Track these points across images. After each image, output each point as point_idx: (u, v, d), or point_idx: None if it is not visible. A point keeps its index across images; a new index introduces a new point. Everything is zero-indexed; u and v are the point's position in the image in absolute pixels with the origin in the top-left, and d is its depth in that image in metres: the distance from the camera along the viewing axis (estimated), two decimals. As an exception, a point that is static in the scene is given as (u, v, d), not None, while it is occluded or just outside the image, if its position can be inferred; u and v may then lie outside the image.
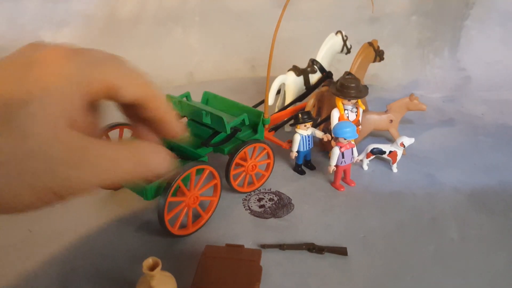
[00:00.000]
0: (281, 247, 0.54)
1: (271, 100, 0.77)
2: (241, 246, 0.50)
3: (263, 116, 0.65)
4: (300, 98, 0.82)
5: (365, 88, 0.69)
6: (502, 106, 0.98)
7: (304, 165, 0.72)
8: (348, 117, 0.68)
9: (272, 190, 0.66)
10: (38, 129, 0.28)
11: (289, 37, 0.88)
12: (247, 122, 0.64)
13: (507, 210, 0.64)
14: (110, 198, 0.64)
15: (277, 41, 0.87)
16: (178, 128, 0.42)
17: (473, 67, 1.13)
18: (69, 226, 0.58)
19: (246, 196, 0.64)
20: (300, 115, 0.67)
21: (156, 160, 0.36)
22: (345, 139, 0.64)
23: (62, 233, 0.57)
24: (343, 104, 0.68)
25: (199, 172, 0.56)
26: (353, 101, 0.68)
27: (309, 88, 0.83)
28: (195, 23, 1.23)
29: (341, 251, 0.54)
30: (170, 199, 0.52)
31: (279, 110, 0.78)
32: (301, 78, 0.81)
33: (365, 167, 0.73)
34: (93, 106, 0.38)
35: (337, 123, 0.65)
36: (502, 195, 0.68)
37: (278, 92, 0.82)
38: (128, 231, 0.58)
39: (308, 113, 0.67)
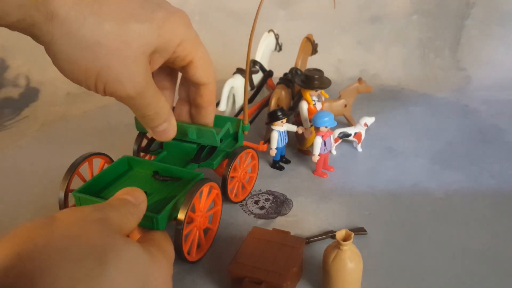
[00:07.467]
0: (306, 241, 0.54)
1: (223, 106, 0.75)
2: (287, 232, 0.51)
3: (243, 122, 0.62)
4: (249, 100, 0.80)
5: (327, 79, 0.72)
6: (502, 106, 0.98)
7: (279, 160, 0.72)
8: (316, 106, 0.72)
9: (263, 191, 0.66)
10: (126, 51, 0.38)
11: (289, 38, 0.88)
12: (231, 131, 0.62)
13: (462, 163, 0.73)
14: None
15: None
16: (211, 119, 0.54)
17: (473, 67, 1.13)
18: None
19: (241, 202, 0.63)
20: (275, 112, 0.67)
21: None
22: (326, 127, 0.66)
23: None
24: (310, 95, 0.71)
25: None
26: (318, 91, 0.71)
27: (254, 89, 0.82)
28: (195, 23, 1.23)
29: (362, 231, 0.56)
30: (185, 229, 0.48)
31: (238, 113, 0.76)
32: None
33: (334, 151, 0.76)
34: (171, 74, 0.52)
35: (315, 114, 0.67)
36: (453, 152, 0.76)
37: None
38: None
39: (282, 109, 0.68)
